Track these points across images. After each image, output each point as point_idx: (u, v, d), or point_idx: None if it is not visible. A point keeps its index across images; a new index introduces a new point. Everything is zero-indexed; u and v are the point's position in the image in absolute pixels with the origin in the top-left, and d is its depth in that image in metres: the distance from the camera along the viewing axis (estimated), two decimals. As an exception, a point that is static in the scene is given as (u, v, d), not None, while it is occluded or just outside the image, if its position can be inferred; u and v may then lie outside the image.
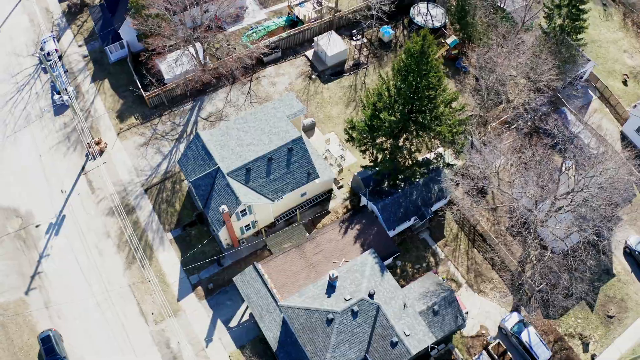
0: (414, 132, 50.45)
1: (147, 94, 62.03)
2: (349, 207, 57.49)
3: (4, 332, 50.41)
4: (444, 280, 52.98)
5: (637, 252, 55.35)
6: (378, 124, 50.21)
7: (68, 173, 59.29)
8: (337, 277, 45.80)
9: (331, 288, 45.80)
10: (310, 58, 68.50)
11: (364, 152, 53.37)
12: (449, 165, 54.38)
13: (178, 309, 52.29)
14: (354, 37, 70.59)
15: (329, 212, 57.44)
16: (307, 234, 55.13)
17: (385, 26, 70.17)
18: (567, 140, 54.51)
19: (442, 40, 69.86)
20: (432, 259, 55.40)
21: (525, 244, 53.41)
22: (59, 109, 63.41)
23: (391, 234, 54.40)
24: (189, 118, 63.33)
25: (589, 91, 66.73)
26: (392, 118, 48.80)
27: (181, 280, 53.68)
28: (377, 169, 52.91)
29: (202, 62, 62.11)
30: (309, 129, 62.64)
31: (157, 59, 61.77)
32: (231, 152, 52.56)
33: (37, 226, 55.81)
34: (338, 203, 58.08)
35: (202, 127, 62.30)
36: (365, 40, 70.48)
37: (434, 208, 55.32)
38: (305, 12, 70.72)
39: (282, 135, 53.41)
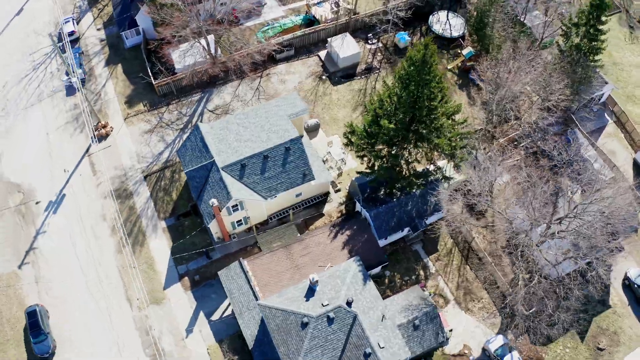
0: (413, 143, 49.69)
1: (157, 82, 62.72)
2: (344, 211, 57.06)
3: (-6, 303, 51.79)
4: (430, 294, 52.10)
5: (636, 285, 53.41)
6: (376, 130, 49.61)
7: (73, 153, 60.43)
8: (317, 281, 45.48)
9: (311, 292, 45.50)
10: (323, 59, 68.18)
11: (361, 157, 52.84)
12: (446, 179, 53.40)
13: (163, 297, 52.78)
14: (369, 41, 69.93)
15: (323, 215, 57.11)
16: (299, 235, 54.92)
17: (402, 32, 69.30)
18: (565, 164, 52.86)
19: (459, 51, 68.70)
20: (422, 272, 54.52)
21: (514, 267, 52.09)
22: (71, 89, 64.67)
23: (382, 242, 53.78)
24: (196, 109, 63.77)
25: (605, 115, 64.63)
26: (391, 126, 48.13)
27: (169, 269, 54.15)
28: (373, 176, 52.30)
29: (213, 55, 62.43)
30: (313, 130, 62.38)
31: (170, 49, 62.34)
32: (228, 146, 52.70)
33: (37, 203, 57.05)
34: (333, 207, 57.68)
35: (207, 119, 62.68)
36: (380, 44, 69.77)
37: (428, 221, 54.41)
38: (323, 12, 70.39)
39: (281, 133, 53.29)
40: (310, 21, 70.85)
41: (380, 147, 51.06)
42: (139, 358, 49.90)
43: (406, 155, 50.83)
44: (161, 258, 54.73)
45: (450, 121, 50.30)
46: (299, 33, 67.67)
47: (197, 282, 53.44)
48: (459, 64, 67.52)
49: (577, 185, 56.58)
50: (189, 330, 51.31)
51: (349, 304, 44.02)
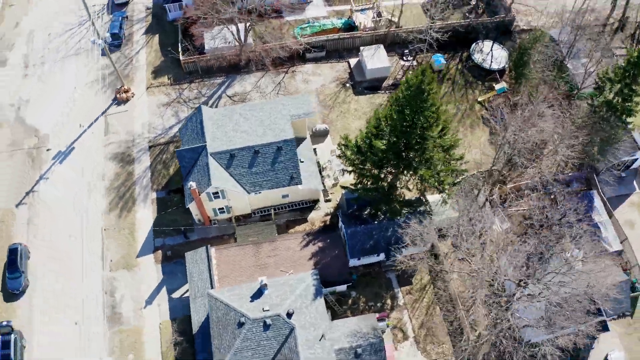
0: (399, 168, 48.11)
1: (184, 58, 64.37)
2: (327, 222, 56.28)
3: (-15, 233, 55.51)
4: (389, 326, 50.49)
5: (613, 371, 49.21)
6: (367, 149, 48.44)
7: (92, 111, 63.39)
8: (266, 284, 45.27)
9: (259, 294, 45.39)
10: (352, 66, 67.24)
11: (350, 172, 51.84)
12: (428, 213, 51.30)
13: (134, 265, 54.51)
14: (404, 57, 68.18)
15: (306, 221, 56.63)
16: (276, 235, 54.80)
17: (439, 55, 66.99)
18: (548, 226, 49.12)
19: (493, 85, 65.58)
20: (389, 302, 52.92)
21: (486, 319, 49.31)
22: (108, 49, 67.62)
23: (354, 262, 52.62)
24: (215, 92, 64.92)
25: (634, 182, 59.56)
26: (382, 147, 46.84)
27: (147, 239, 55.77)
28: (356, 193, 51.19)
29: (241, 43, 63.17)
30: (322, 135, 61.83)
31: (202, 29, 63.65)
32: (224, 134, 53.32)
33: (47, 150, 60.42)
34: (319, 215, 57.05)
35: (223, 104, 63.67)
36: (415, 63, 67.84)
37: (406, 251, 52.52)
38: (363, 19, 69.31)
39: (277, 132, 53.24)
40: (350, 26, 70.00)
41: (369, 166, 49.83)
42: (97, 315, 51.95)
43: (391, 179, 49.30)
44: (143, 227, 56.45)
45: (444, 154, 48.26)
46: (333, 36, 67.05)
47: (168, 258, 54.72)
48: (490, 98, 64.45)
49: (578, 250, 52.91)
50: (149, 302, 52.71)
51: (289, 315, 43.52)
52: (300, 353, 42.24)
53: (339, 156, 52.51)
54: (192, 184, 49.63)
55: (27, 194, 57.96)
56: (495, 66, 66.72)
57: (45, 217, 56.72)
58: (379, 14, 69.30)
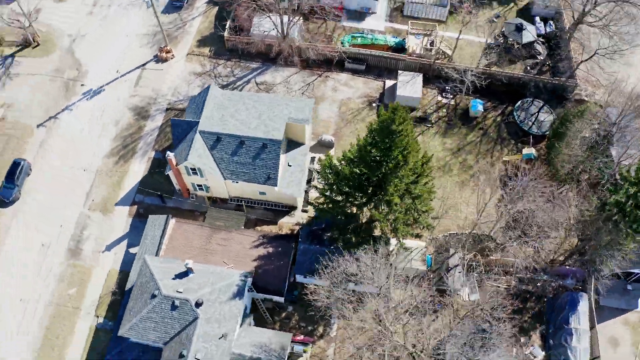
0: (359, 200, 46.27)
1: (226, 36, 66.16)
2: (293, 232, 55.61)
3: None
4: (305, 352, 49.16)
5: None
6: (336, 170, 47.09)
7: (132, 60, 67.36)
8: (191, 268, 45.91)
9: (184, 274, 46.19)
10: (386, 87, 65.21)
11: (317, 187, 50.72)
12: (387, 255, 48.76)
13: (110, 211, 57.67)
14: (443, 94, 64.84)
15: (275, 224, 56.38)
16: (242, 227, 55.20)
17: (479, 100, 62.90)
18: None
19: (523, 148, 60.55)
20: (321, 329, 51.44)
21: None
22: (170, 8, 71.31)
23: (300, 278, 51.65)
24: (246, 75, 66.14)
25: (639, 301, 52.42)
26: (347, 173, 45.34)
27: (130, 192, 58.66)
28: (315, 212, 50.05)
29: (283, 35, 63.60)
30: (327, 146, 60.90)
31: (250, 14, 64.85)
32: (220, 117, 54.33)
33: (82, 85, 65.29)
34: (290, 222, 56.52)
35: (248, 89, 64.78)
36: (452, 102, 64.33)
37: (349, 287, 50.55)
38: (415, 44, 66.68)
39: (268, 129, 53.27)
40: (402, 47, 67.76)
41: (335, 188, 48.37)
42: (63, 244, 55.78)
43: (351, 209, 47.55)
44: (131, 179, 59.41)
45: (410, 202, 45.64)
46: (376, 53, 65.33)
47: (140, 215, 57.21)
48: (515, 161, 59.54)
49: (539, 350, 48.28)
50: (108, 248, 55.62)
51: (197, 304, 43.89)
52: (193, 343, 42.55)
53: (317, 171, 51.47)
54: (169, 154, 51.31)
55: (50, 118, 63.17)
56: (535, 129, 61.47)
57: (57, 144, 61.55)
58: (432, 43, 66.30)
